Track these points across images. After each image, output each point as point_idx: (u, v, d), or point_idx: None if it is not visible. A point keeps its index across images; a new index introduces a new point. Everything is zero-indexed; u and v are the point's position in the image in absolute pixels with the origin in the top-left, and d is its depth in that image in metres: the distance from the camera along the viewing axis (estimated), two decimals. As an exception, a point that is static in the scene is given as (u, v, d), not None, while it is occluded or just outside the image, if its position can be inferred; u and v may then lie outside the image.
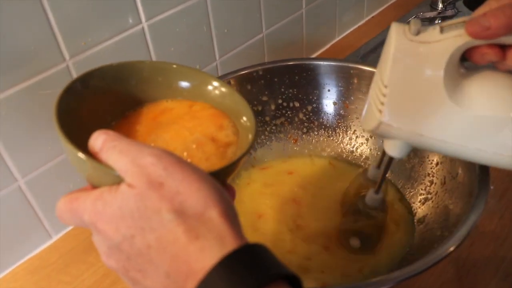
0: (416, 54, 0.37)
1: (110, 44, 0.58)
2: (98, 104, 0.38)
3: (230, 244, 0.26)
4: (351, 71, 0.63)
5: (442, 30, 0.37)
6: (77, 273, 0.58)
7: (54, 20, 0.51)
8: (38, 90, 0.53)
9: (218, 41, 0.71)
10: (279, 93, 0.65)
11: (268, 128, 0.66)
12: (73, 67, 0.55)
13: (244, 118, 0.38)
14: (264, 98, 0.65)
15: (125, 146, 0.29)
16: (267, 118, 0.66)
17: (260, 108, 0.65)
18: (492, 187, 0.64)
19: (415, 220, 0.57)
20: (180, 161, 0.28)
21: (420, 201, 0.58)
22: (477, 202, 0.46)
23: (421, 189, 0.59)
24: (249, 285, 0.25)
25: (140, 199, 0.27)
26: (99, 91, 0.38)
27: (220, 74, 0.73)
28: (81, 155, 0.29)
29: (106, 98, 0.38)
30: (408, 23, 0.38)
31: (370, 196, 0.51)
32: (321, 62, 0.64)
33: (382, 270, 0.53)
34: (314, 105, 0.66)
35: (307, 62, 0.64)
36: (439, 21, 0.92)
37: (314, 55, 0.92)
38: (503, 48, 0.37)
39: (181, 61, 0.67)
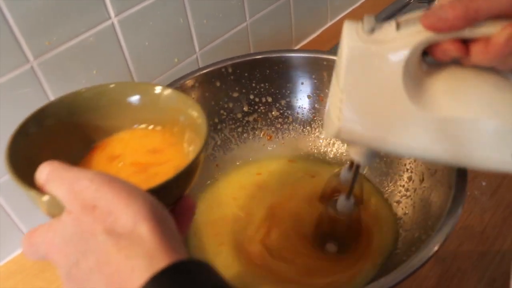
0: (371, 56, 0.34)
1: (78, 43, 0.55)
2: (58, 139, 0.38)
3: (159, 262, 0.26)
4: (324, 63, 0.59)
5: (398, 27, 0.34)
6: (52, 277, 0.57)
7: (12, 20, 0.49)
8: (3, 92, 0.51)
9: (197, 32, 0.68)
10: (250, 88, 0.62)
11: (240, 126, 0.64)
12: (39, 68, 0.53)
13: (195, 115, 0.38)
14: (235, 94, 0.62)
15: (63, 174, 0.30)
16: (239, 115, 0.63)
17: (231, 105, 0.62)
18: (484, 183, 0.61)
19: (397, 218, 0.55)
20: (111, 180, 0.29)
21: (399, 198, 0.56)
22: (457, 198, 0.44)
23: (400, 186, 0.56)
24: None
25: (77, 224, 0.28)
26: (55, 126, 0.38)
27: (201, 66, 0.70)
28: (29, 190, 0.30)
29: (65, 132, 0.39)
30: (362, 20, 0.35)
31: (341, 202, 0.48)
32: (292, 54, 0.60)
33: (369, 273, 0.51)
34: (288, 99, 0.63)
35: (277, 55, 0.60)
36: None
37: (304, 42, 0.88)
38: (466, 43, 0.33)
39: (157, 54, 0.64)
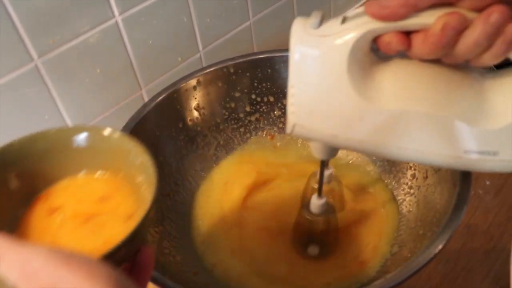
0: (316, 49, 0.34)
1: (82, 41, 0.55)
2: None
3: None
4: None
5: (344, 21, 0.34)
6: None
7: (16, 18, 0.49)
8: (6, 91, 0.51)
9: (200, 31, 0.68)
10: (252, 88, 0.62)
11: (242, 125, 0.64)
12: (43, 66, 0.53)
13: (144, 159, 0.35)
14: (237, 94, 0.62)
15: (11, 253, 0.26)
16: (241, 115, 0.63)
17: (233, 105, 0.62)
18: (488, 183, 0.60)
19: (400, 216, 0.55)
20: (68, 257, 0.26)
21: (403, 196, 0.56)
22: (461, 196, 0.43)
23: (403, 183, 0.56)
24: None
25: None
26: None
27: (205, 65, 0.70)
28: None
29: (2, 186, 0.35)
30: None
31: (314, 202, 0.48)
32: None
33: (370, 273, 0.51)
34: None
35: (278, 54, 0.60)
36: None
37: (307, 41, 0.88)
38: (409, 35, 0.33)
39: (161, 54, 0.64)
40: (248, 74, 0.61)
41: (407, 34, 0.33)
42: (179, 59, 0.67)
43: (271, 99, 0.63)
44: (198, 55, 0.70)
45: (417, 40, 0.32)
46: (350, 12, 0.34)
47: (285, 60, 0.60)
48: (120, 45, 0.59)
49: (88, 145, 0.37)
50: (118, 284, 0.26)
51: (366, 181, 0.59)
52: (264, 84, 0.62)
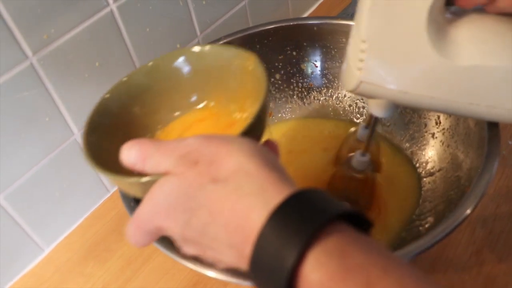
0: (394, 3, 0.33)
1: (77, 34, 0.51)
2: (124, 126, 0.38)
3: (273, 196, 0.25)
4: (314, 28, 0.58)
5: None
6: (76, 287, 0.54)
7: (6, 13, 0.45)
8: (5, 93, 0.47)
9: (197, 15, 0.64)
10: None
11: None
12: (39, 64, 0.49)
13: (250, 67, 0.36)
14: None
15: (160, 147, 0.29)
16: None
17: None
18: (510, 142, 0.59)
19: (423, 179, 0.53)
20: (209, 136, 0.28)
21: (427, 158, 0.54)
22: (489, 155, 0.42)
23: (424, 142, 0.55)
24: (303, 235, 0.23)
25: (181, 183, 0.27)
26: (119, 115, 0.38)
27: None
28: (127, 179, 0.30)
29: (130, 118, 0.39)
30: None
31: (357, 158, 0.47)
32: (279, 25, 0.59)
33: (392, 234, 0.50)
34: (282, 72, 0.61)
35: (265, 28, 0.59)
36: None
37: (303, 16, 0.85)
38: None
39: (159, 41, 0.61)
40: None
41: None
42: (178, 45, 0.64)
43: None
44: (196, 40, 0.66)
45: None
46: None
47: (272, 33, 0.59)
48: (117, 35, 0.55)
49: (191, 69, 0.39)
50: (254, 147, 0.27)
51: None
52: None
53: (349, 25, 0.57)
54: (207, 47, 0.39)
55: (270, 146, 0.34)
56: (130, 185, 0.30)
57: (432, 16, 0.33)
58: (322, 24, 0.58)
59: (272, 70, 0.61)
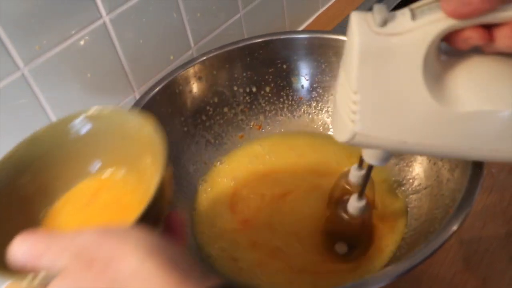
0: (386, 50, 0.31)
1: (69, 45, 0.52)
2: (8, 210, 0.34)
3: None
4: (305, 42, 0.59)
5: (413, 16, 0.30)
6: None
7: (-1, 25, 0.45)
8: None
9: (191, 27, 0.65)
10: (233, 79, 0.60)
11: (228, 119, 0.62)
12: (30, 74, 0.50)
13: (145, 133, 0.34)
14: (219, 89, 0.60)
15: (57, 241, 0.27)
16: (225, 109, 0.61)
17: (216, 100, 0.60)
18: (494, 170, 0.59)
19: (409, 196, 0.54)
20: (103, 233, 0.27)
21: (412, 171, 0.55)
22: (473, 178, 0.42)
23: (411, 158, 0.55)
24: None
25: (75, 282, 0.25)
26: (7, 189, 0.34)
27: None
28: (14, 276, 0.27)
29: (18, 193, 0.35)
30: (371, 11, 0.31)
31: (352, 203, 0.45)
32: (269, 38, 0.59)
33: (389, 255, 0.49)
34: (272, 85, 0.62)
35: (255, 41, 0.59)
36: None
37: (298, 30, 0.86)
38: (488, 28, 0.30)
39: (152, 53, 0.61)
40: (227, 65, 0.60)
41: (486, 27, 0.30)
42: (171, 57, 0.64)
43: (253, 89, 0.61)
44: (190, 52, 0.67)
45: (502, 33, 0.30)
46: (415, 4, 0.31)
47: (263, 46, 0.59)
48: (110, 46, 0.56)
49: (87, 132, 0.37)
50: (155, 243, 0.26)
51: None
52: (244, 74, 0.60)
53: (339, 40, 0.57)
54: (105, 110, 0.36)
55: (174, 220, 0.32)
56: (16, 282, 0.27)
57: (428, 63, 0.31)
58: (312, 38, 0.58)
59: (263, 83, 0.61)
